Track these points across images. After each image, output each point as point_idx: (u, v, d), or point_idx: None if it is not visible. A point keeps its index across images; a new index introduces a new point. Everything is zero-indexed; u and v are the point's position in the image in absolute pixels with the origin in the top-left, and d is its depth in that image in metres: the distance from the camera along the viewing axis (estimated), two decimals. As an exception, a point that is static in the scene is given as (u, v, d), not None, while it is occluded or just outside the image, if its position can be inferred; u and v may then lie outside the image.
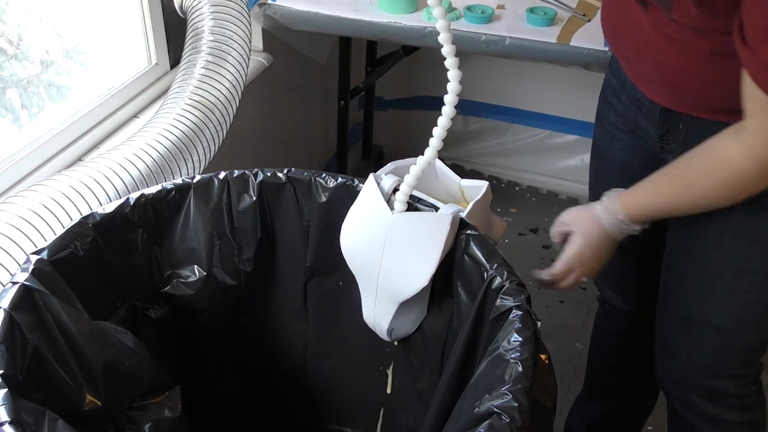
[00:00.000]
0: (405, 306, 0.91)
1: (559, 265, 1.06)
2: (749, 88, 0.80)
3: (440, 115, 0.79)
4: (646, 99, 1.04)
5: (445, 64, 0.75)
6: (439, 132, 0.79)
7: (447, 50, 0.74)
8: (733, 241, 1.00)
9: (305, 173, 0.97)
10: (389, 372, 1.05)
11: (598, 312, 1.43)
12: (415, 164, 0.84)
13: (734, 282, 1.03)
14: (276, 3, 1.61)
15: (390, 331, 0.96)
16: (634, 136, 1.11)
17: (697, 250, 1.05)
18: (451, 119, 0.79)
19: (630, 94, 1.08)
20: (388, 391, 1.06)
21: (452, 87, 0.76)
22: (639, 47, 0.99)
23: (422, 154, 0.83)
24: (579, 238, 1.04)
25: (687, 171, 0.95)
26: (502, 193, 2.50)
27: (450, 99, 0.77)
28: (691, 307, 1.09)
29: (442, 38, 0.73)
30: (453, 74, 0.75)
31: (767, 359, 1.18)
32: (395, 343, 1.00)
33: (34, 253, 0.79)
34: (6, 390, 0.65)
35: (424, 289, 0.88)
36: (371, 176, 0.91)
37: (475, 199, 0.99)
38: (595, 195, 1.26)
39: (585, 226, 1.04)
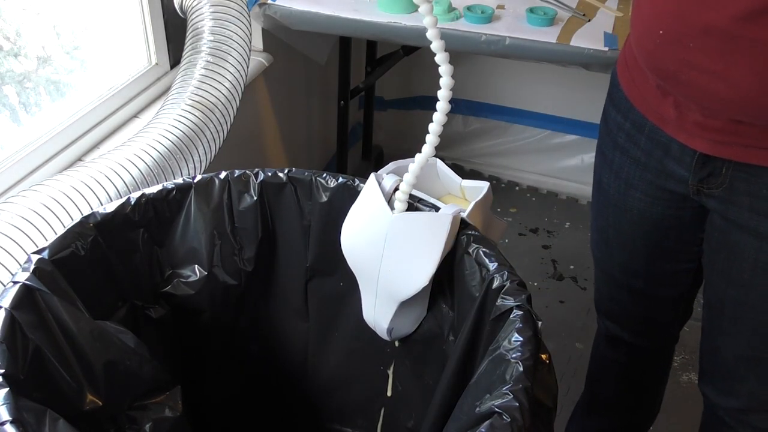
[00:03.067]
0: (405, 306, 0.91)
1: None
2: None
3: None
4: (673, 141, 0.96)
5: (436, 59, 0.75)
6: (434, 128, 0.79)
7: (440, 58, 0.74)
8: None
9: (306, 173, 0.97)
10: (390, 373, 1.05)
11: (599, 339, 1.41)
12: (416, 160, 0.84)
13: None
14: (276, 3, 1.61)
15: (390, 331, 0.96)
16: (654, 185, 1.04)
17: (753, 296, 1.00)
18: (446, 114, 0.78)
19: (651, 138, 1.00)
20: (389, 393, 1.06)
21: (444, 82, 0.76)
22: (720, 51, 0.83)
23: (419, 153, 0.83)
24: None
25: None
26: (502, 193, 2.50)
27: (443, 94, 0.77)
28: (753, 346, 1.05)
29: (435, 46, 0.73)
30: (444, 69, 0.75)
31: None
32: (396, 343, 1.00)
33: (35, 253, 0.79)
34: (7, 389, 0.65)
35: (424, 289, 0.88)
36: (372, 176, 0.91)
37: (476, 200, 0.99)
38: (600, 242, 1.21)
39: None
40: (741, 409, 1.13)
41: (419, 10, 0.72)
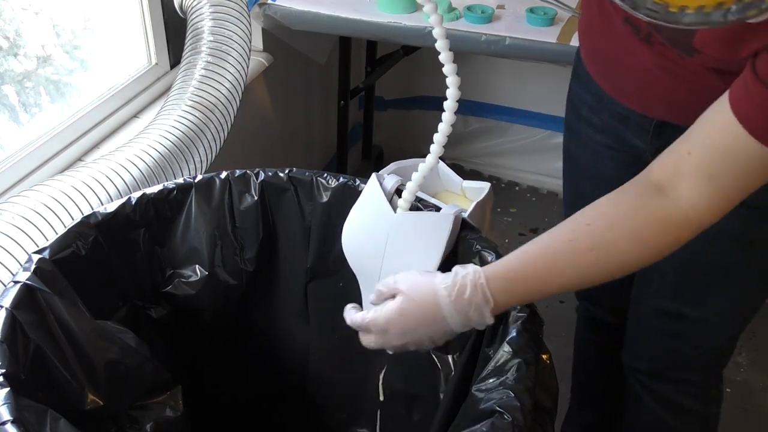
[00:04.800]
0: (406, 306, 0.91)
1: (378, 315, 0.79)
2: (742, 143, 0.69)
3: (441, 116, 0.79)
4: (633, 113, 0.98)
5: (444, 70, 0.75)
6: (439, 138, 0.80)
7: (445, 57, 0.74)
8: (727, 245, 0.98)
9: (307, 173, 0.97)
10: (381, 376, 1.04)
11: (579, 326, 1.42)
12: (418, 165, 0.84)
13: (724, 282, 1.02)
14: (276, 3, 1.61)
15: (390, 331, 0.96)
16: (621, 150, 1.05)
17: (686, 249, 1.03)
18: (452, 125, 0.78)
19: (611, 110, 1.02)
20: (381, 398, 1.06)
21: (451, 93, 0.76)
22: (639, 83, 0.92)
23: (422, 155, 0.83)
24: (407, 301, 0.78)
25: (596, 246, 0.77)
26: (502, 193, 2.50)
27: (450, 105, 0.77)
28: (674, 300, 1.07)
29: (440, 45, 0.74)
30: (452, 80, 0.75)
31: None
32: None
33: (35, 253, 0.79)
34: (8, 389, 0.65)
35: (425, 289, 0.87)
36: (374, 176, 0.91)
37: (477, 200, 0.99)
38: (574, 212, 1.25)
39: (419, 294, 0.78)
40: (645, 372, 1.16)
41: (425, 9, 0.72)
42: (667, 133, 0.96)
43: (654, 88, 0.91)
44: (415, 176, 0.84)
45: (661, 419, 1.18)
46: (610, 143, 1.06)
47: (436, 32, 0.73)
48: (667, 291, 1.07)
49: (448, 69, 0.74)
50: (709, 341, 1.10)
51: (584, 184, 1.16)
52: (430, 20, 0.72)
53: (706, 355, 1.12)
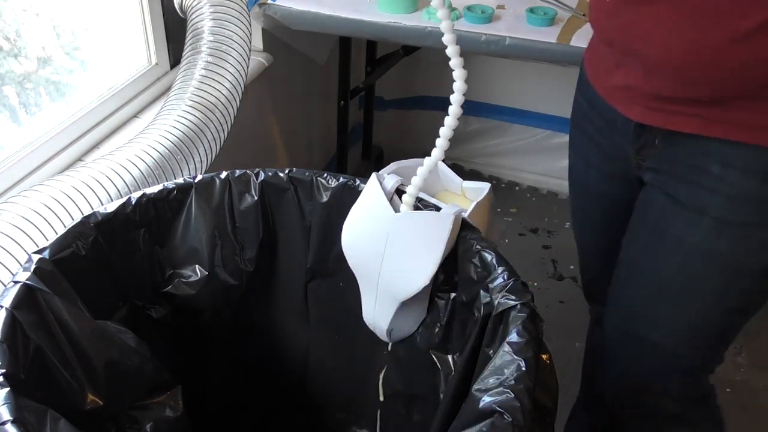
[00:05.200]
0: (405, 306, 0.91)
1: None
2: None
3: (442, 115, 0.79)
4: (619, 116, 0.99)
5: (450, 64, 0.75)
6: (445, 132, 0.79)
7: (452, 50, 0.74)
8: (686, 256, 0.96)
9: (307, 173, 0.97)
10: (381, 376, 1.05)
11: (591, 329, 1.42)
12: (419, 165, 0.84)
13: (682, 299, 1.00)
14: (276, 3, 1.61)
15: (390, 332, 0.96)
16: (608, 159, 1.06)
17: (647, 259, 1.01)
18: (458, 119, 0.78)
19: (601, 114, 1.03)
20: (381, 398, 1.06)
21: (458, 86, 0.76)
22: (654, 19, 0.86)
23: (422, 155, 0.83)
24: None
25: None
26: (502, 193, 2.50)
27: (456, 98, 0.77)
28: (632, 319, 1.06)
29: (447, 39, 0.73)
30: (458, 74, 0.75)
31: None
32: (389, 345, 1.00)
33: (35, 253, 0.79)
34: (8, 389, 0.65)
35: (424, 289, 0.88)
36: (374, 176, 0.91)
37: (478, 200, 0.99)
38: (575, 223, 1.26)
39: None
40: (618, 397, 1.15)
41: (437, 15, 0.72)
42: (646, 133, 0.97)
43: (666, 28, 0.85)
44: (420, 170, 0.84)
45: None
46: (597, 150, 1.07)
47: (447, 38, 0.73)
48: (628, 309, 1.08)
49: (455, 62, 0.74)
50: (672, 367, 1.07)
51: (579, 193, 1.19)
52: (442, 27, 0.73)
53: (674, 382, 1.09)
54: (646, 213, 1.02)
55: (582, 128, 1.10)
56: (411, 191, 0.86)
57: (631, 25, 0.89)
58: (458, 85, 0.76)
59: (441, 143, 0.80)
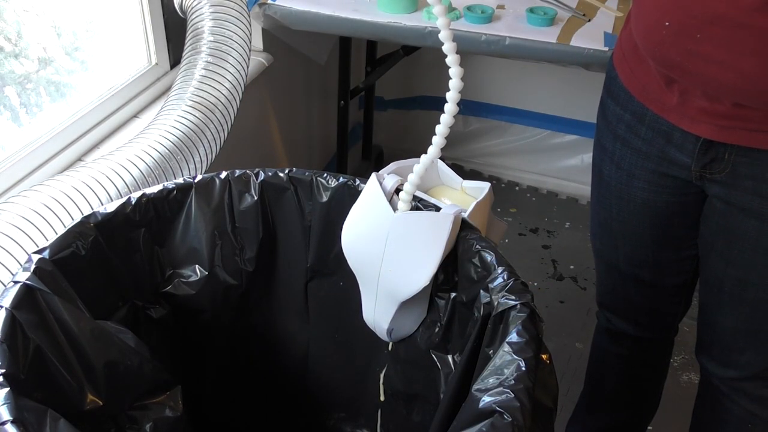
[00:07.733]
0: (405, 306, 0.91)
1: None
2: None
3: (441, 114, 0.79)
4: (675, 129, 0.98)
5: (447, 61, 0.75)
6: (441, 129, 0.79)
7: (448, 47, 0.74)
8: None
9: (306, 173, 0.97)
10: (382, 375, 1.05)
11: (600, 335, 1.41)
12: (419, 164, 0.84)
13: None
14: (276, 3, 1.61)
15: (390, 332, 0.96)
16: (656, 173, 1.06)
17: (753, 275, 1.03)
18: (454, 116, 0.78)
19: (652, 127, 1.02)
20: (381, 398, 1.06)
21: (454, 84, 0.76)
22: (727, 40, 0.84)
23: (424, 153, 0.83)
24: None
25: None
26: (502, 193, 2.50)
27: (452, 96, 0.77)
28: (753, 321, 1.08)
29: (443, 35, 0.73)
30: (455, 71, 0.75)
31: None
32: (389, 345, 1.00)
33: (35, 253, 0.79)
34: (8, 389, 0.65)
35: (424, 289, 0.88)
36: (373, 175, 0.91)
37: (477, 200, 0.99)
38: (603, 234, 1.22)
39: None
40: (737, 378, 1.16)
41: (433, 11, 0.72)
42: (714, 149, 0.96)
43: (740, 45, 0.84)
44: (417, 168, 0.84)
45: (751, 413, 1.18)
46: (646, 163, 1.06)
47: (443, 35, 0.73)
48: (747, 315, 1.08)
49: (451, 59, 0.74)
50: None
51: (614, 204, 1.15)
52: (434, 11, 0.73)
53: None
54: (734, 233, 1.02)
55: (622, 139, 1.07)
56: (408, 188, 0.86)
57: (699, 52, 0.88)
58: (454, 83, 0.76)
59: (437, 140, 0.80)
